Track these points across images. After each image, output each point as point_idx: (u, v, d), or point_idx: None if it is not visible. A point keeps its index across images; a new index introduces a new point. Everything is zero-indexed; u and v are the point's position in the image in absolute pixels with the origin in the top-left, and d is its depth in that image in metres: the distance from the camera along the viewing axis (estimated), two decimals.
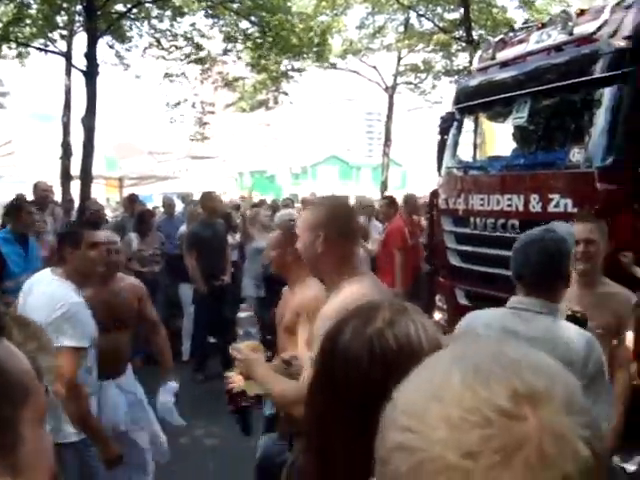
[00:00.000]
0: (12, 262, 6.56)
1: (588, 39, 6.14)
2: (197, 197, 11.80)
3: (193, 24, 19.98)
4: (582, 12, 6.76)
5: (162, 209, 12.82)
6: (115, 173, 27.50)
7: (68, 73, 19.44)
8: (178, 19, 19.34)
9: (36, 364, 1.07)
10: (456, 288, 7.22)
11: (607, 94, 5.83)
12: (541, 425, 0.59)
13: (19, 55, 19.18)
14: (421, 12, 23.96)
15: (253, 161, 66.09)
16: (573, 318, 3.02)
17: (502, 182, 6.71)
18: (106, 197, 26.30)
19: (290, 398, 2.73)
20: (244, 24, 20.11)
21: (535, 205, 6.14)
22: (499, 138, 7.98)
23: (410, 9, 23.79)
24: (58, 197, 13.50)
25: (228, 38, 20.44)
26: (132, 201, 11.60)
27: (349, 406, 1.31)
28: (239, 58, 21.41)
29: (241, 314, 3.67)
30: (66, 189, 17.73)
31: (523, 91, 6.63)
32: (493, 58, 7.47)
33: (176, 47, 20.05)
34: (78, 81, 17.20)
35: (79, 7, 17.13)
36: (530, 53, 6.86)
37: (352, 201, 9.23)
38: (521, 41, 7.33)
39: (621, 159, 5.63)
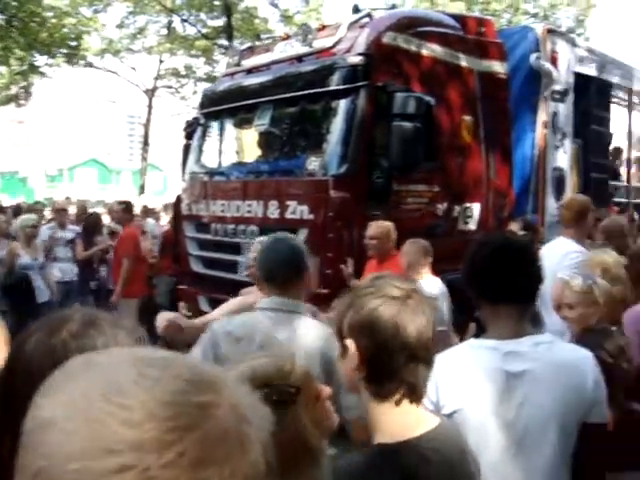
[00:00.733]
0: None
1: (326, 53, 6.36)
2: None
3: None
4: (323, 27, 7.04)
5: None
6: None
7: None
8: None
9: None
10: (199, 295, 7.06)
11: (342, 106, 6.06)
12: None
13: None
14: (184, 17, 23.67)
15: (2, 161, 60.73)
16: None
17: (243, 188, 6.71)
18: None
19: None
20: None
21: (274, 211, 6.19)
22: (243, 144, 7.98)
23: (173, 12, 23.40)
24: None
25: None
26: None
27: None
28: None
29: None
30: None
31: (265, 98, 6.70)
32: (239, 65, 7.48)
33: None
34: None
35: None
36: (274, 62, 6.98)
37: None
38: (267, 50, 7.43)
39: (354, 168, 5.88)
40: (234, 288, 6.20)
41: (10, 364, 1.24)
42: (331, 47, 6.32)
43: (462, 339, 4.48)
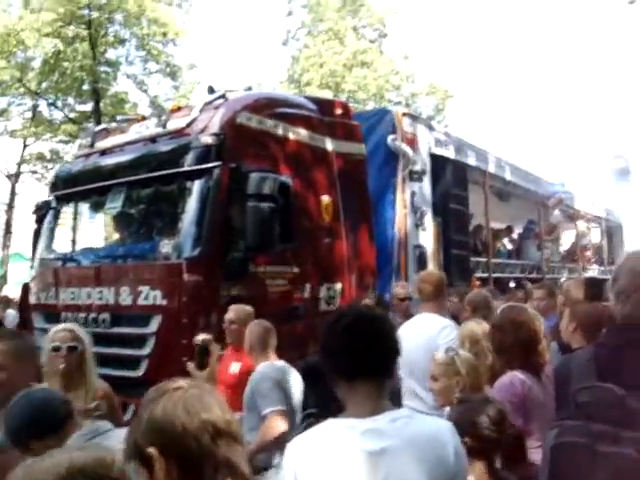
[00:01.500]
0: None
1: (180, 133, 6.21)
2: None
3: None
4: (178, 108, 6.90)
5: None
6: None
7: None
8: None
9: None
10: None
11: (196, 187, 5.88)
12: None
13: None
14: (51, 100, 23.06)
15: None
16: None
17: (94, 274, 6.30)
18: None
19: None
20: None
21: (126, 298, 5.81)
22: (96, 228, 7.60)
23: (39, 96, 22.73)
24: None
25: None
26: None
27: None
28: None
29: None
30: None
31: (119, 180, 6.41)
32: (92, 146, 7.17)
33: None
34: None
35: None
36: (128, 143, 6.74)
37: None
38: (122, 131, 7.19)
39: (209, 250, 5.66)
40: None
41: None
42: (185, 127, 6.17)
43: None
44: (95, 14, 20.80)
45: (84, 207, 7.44)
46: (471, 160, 9.90)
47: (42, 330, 6.73)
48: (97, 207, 7.25)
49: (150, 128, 6.69)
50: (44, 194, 26.12)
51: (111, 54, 22.65)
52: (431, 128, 9.29)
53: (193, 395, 1.52)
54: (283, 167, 6.37)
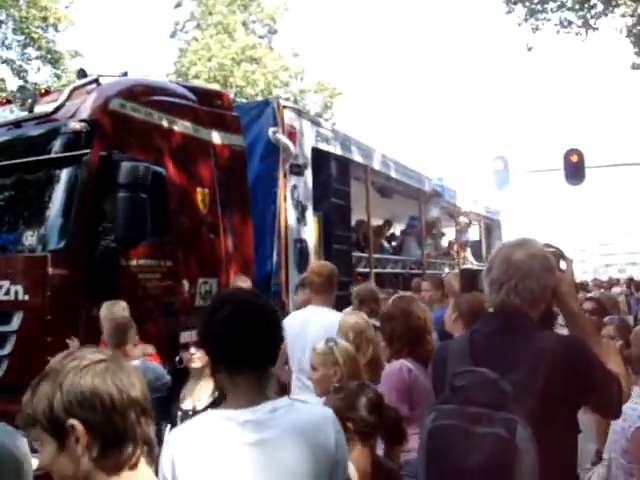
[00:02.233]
0: None
1: (48, 118, 5.87)
2: None
3: None
4: (46, 92, 6.54)
5: None
6: None
7: None
8: None
9: None
10: None
11: (64, 176, 5.59)
12: None
13: None
14: None
15: None
16: None
17: None
18: None
19: None
20: None
21: None
22: None
23: None
24: None
25: None
26: None
27: None
28: None
29: None
30: None
31: None
32: None
33: None
34: None
35: None
36: None
37: None
38: None
39: (76, 242, 5.37)
40: None
41: None
42: (53, 112, 5.83)
43: None
44: None
45: None
46: (355, 156, 9.95)
47: None
48: None
49: (15, 112, 6.29)
50: None
51: None
52: (315, 123, 9.27)
53: (119, 370, 1.50)
54: (158, 157, 6.13)
